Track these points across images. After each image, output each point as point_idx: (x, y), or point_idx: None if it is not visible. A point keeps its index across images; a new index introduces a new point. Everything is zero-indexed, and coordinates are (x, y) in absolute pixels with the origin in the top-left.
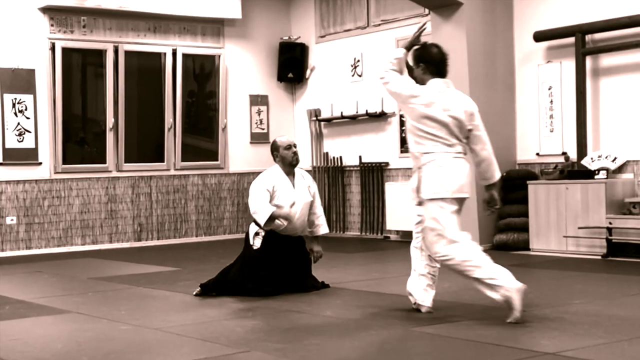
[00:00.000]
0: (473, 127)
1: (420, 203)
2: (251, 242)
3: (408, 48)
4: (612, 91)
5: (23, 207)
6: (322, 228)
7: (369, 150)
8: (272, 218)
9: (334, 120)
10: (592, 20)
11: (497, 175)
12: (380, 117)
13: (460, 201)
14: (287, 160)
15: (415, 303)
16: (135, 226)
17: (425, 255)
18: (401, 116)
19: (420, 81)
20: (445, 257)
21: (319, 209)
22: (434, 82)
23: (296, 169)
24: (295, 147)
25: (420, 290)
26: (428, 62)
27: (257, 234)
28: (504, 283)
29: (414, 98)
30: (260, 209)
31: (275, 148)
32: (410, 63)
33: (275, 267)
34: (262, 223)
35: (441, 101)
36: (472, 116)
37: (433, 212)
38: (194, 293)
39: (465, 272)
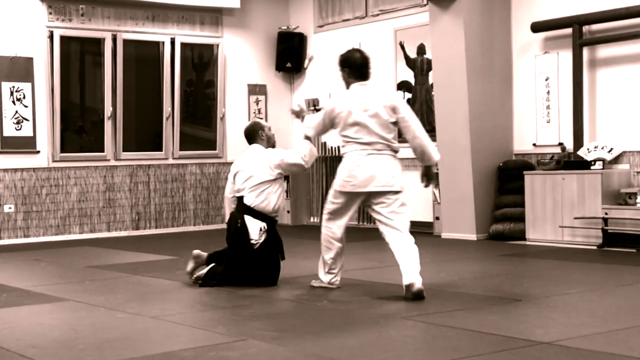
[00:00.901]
0: (399, 120)
1: None
2: (256, 239)
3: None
4: (609, 82)
5: (21, 195)
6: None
7: None
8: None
9: None
10: (590, 12)
11: (434, 158)
12: None
13: (346, 194)
14: (271, 140)
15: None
16: (133, 215)
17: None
18: None
19: (346, 84)
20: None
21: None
22: (353, 87)
23: None
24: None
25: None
26: (351, 67)
27: (261, 229)
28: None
29: (335, 115)
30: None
31: (260, 127)
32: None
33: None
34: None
35: (359, 104)
36: (394, 109)
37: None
38: (193, 279)
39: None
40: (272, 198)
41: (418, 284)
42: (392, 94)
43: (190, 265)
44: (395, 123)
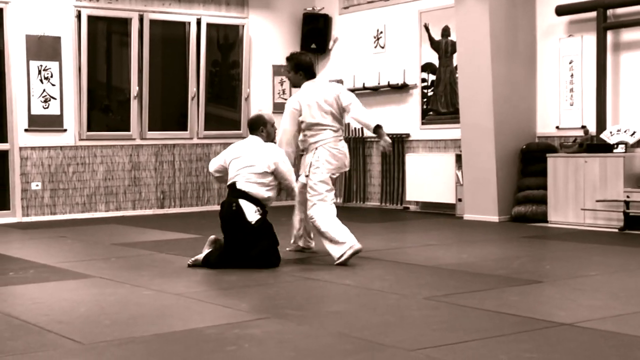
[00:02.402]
0: (345, 106)
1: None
2: (251, 219)
3: None
4: (632, 66)
5: (48, 173)
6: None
7: (390, 121)
8: None
9: (356, 92)
10: None
11: (372, 123)
12: (402, 88)
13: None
14: (271, 137)
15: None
16: (159, 193)
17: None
18: (423, 88)
19: (297, 84)
20: None
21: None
22: (306, 86)
23: None
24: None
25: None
26: (303, 69)
27: (256, 210)
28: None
29: (300, 111)
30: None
31: (263, 123)
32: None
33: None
34: None
35: (319, 97)
36: (339, 97)
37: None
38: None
39: None
40: (266, 188)
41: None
42: (335, 85)
43: (205, 251)
44: (343, 109)
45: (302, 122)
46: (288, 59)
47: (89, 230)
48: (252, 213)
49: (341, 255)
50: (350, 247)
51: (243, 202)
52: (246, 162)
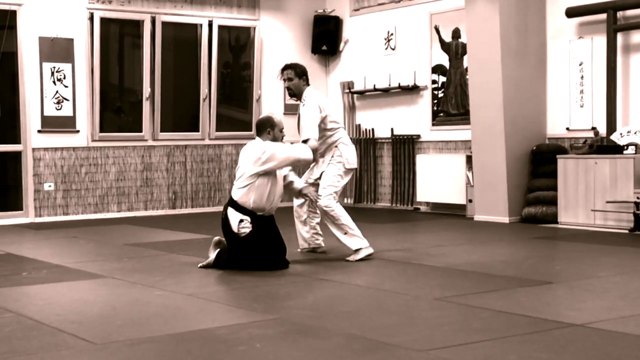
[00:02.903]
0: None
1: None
2: (236, 230)
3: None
4: None
5: (61, 174)
6: (297, 182)
7: (400, 122)
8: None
9: (367, 93)
10: None
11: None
12: (412, 90)
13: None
14: (278, 140)
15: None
16: (170, 194)
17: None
18: (433, 89)
19: (299, 90)
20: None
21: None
22: (310, 90)
23: None
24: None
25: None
26: (306, 76)
27: (241, 220)
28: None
29: (324, 114)
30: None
31: (271, 125)
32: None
33: (265, 248)
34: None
35: (328, 102)
36: None
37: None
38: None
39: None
40: (252, 194)
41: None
42: None
43: (212, 254)
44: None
45: (324, 121)
46: (290, 66)
47: (101, 230)
48: (235, 223)
49: (359, 249)
50: (368, 247)
51: (230, 212)
52: (240, 171)
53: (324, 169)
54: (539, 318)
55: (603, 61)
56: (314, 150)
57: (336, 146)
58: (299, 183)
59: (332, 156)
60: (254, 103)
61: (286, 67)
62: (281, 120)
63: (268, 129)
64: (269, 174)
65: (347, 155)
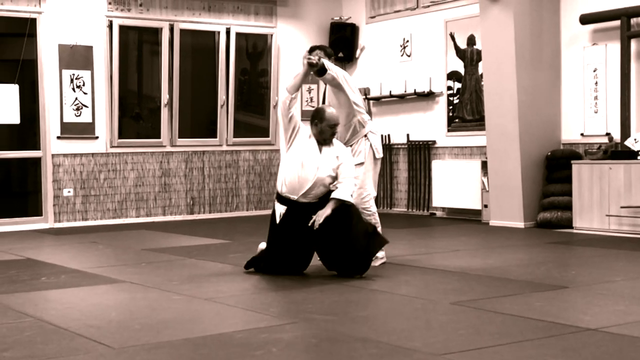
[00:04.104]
0: None
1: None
2: (277, 219)
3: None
4: None
5: (80, 179)
6: (336, 192)
7: (416, 128)
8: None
9: (383, 99)
10: (638, 4)
11: None
12: (428, 96)
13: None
14: (324, 135)
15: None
16: (188, 200)
17: None
18: (449, 96)
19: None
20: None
21: (344, 174)
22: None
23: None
24: (333, 128)
25: None
26: (335, 57)
27: (280, 214)
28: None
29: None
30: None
31: (320, 119)
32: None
33: (294, 245)
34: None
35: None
36: None
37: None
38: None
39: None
40: (282, 171)
41: None
42: None
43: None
44: None
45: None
46: (320, 47)
47: (120, 235)
48: (278, 215)
49: (382, 257)
50: (384, 257)
51: (276, 205)
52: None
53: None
54: (554, 322)
55: (617, 67)
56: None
57: (365, 135)
58: (335, 197)
59: (363, 149)
60: (271, 109)
61: (315, 48)
62: (333, 117)
63: (316, 121)
64: (300, 148)
65: (377, 143)
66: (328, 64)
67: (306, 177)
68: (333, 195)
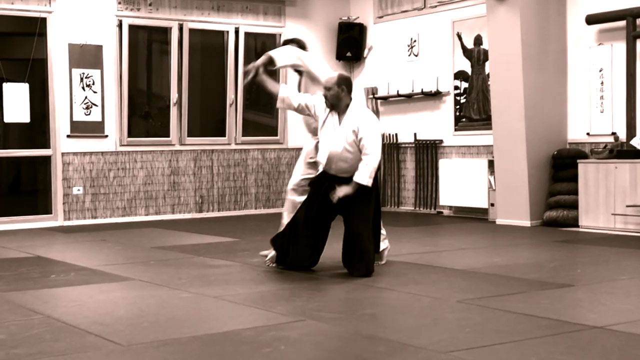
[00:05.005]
0: None
1: None
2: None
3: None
4: None
5: (89, 178)
6: (357, 174)
7: (423, 127)
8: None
9: (391, 99)
10: None
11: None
12: (435, 95)
13: None
14: (328, 101)
15: None
16: (197, 198)
17: None
18: (456, 95)
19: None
20: None
21: (366, 151)
22: None
23: (353, 110)
24: (329, 90)
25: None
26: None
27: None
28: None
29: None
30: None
31: (327, 87)
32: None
33: (314, 218)
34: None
35: None
36: None
37: None
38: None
39: None
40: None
41: None
42: None
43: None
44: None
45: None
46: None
47: (129, 234)
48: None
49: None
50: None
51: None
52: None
53: None
54: (560, 320)
55: (623, 67)
56: None
57: None
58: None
59: None
60: (280, 109)
61: (288, 42)
62: (326, 80)
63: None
64: (321, 121)
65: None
66: (273, 53)
67: (324, 151)
68: (354, 177)
